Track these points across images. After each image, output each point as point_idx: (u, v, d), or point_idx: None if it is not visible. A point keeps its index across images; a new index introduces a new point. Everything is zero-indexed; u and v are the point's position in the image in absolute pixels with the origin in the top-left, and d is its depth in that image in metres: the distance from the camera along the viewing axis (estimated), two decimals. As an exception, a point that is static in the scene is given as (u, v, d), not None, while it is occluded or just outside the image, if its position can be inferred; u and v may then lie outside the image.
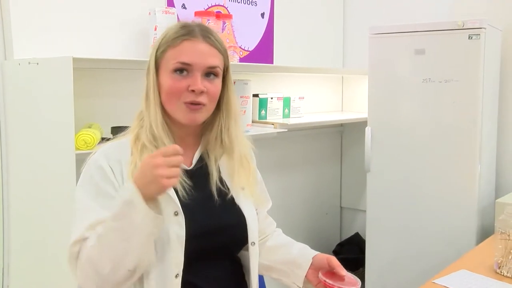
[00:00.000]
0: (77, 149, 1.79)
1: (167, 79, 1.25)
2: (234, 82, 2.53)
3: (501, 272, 1.80)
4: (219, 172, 1.35)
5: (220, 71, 1.29)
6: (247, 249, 1.36)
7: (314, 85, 3.29)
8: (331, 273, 1.32)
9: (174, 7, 2.42)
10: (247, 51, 2.84)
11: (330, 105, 3.46)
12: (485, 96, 2.45)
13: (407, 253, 2.65)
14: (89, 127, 1.99)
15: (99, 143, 1.88)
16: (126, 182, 1.22)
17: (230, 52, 2.62)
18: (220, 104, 1.33)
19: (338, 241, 3.51)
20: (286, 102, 2.85)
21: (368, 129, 2.70)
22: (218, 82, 1.29)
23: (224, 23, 2.58)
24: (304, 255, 1.41)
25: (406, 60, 2.58)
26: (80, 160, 1.36)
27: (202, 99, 1.25)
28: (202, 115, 1.28)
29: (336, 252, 3.39)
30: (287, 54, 3.08)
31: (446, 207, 2.52)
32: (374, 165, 2.71)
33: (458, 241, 2.48)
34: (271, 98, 2.74)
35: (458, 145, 2.47)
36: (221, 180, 1.35)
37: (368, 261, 2.80)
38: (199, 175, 1.33)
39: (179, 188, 1.24)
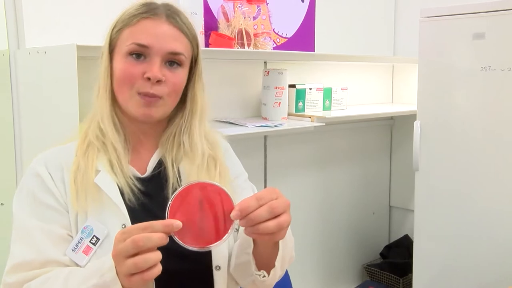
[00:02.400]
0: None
1: (120, 62, 1.04)
2: (268, 72, 2.31)
3: None
4: (178, 179, 1.11)
5: (185, 60, 1.07)
6: (207, 268, 1.09)
7: (360, 74, 2.97)
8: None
9: (202, -10, 2.16)
10: (285, 38, 2.55)
11: (379, 97, 3.12)
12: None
13: (460, 262, 2.29)
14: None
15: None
16: (67, 188, 1.03)
17: (264, 39, 2.36)
18: (185, 100, 1.13)
19: (386, 243, 3.18)
20: (327, 93, 2.54)
21: (417, 123, 2.35)
22: (181, 72, 1.07)
23: (258, 7, 2.31)
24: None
25: (463, 46, 2.20)
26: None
27: (159, 90, 1.03)
28: (159, 110, 1.06)
29: (383, 255, 3.08)
30: (330, 41, 2.75)
31: (508, 214, 2.13)
32: (424, 163, 2.36)
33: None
34: (310, 89, 2.45)
35: (522, 143, 2.08)
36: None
37: (416, 267, 2.47)
38: (155, 183, 1.10)
39: (128, 197, 1.04)
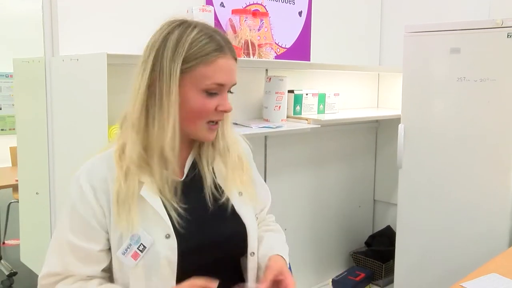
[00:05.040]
0: (109, 141, 1.70)
1: (196, 97, 1.04)
2: (270, 79, 2.45)
3: (534, 279, 1.58)
4: (214, 177, 1.16)
5: None
6: (243, 254, 1.18)
7: (350, 82, 3.11)
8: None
9: (213, 5, 2.29)
10: (284, 48, 2.69)
11: (366, 102, 3.27)
12: (522, 96, 2.19)
13: (436, 250, 2.44)
14: (126, 120, 1.91)
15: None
16: (111, 199, 1.03)
17: (266, 49, 2.49)
18: None
19: (370, 233, 3.33)
20: (321, 98, 2.68)
21: (401, 127, 2.50)
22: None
23: (261, 20, 2.44)
24: (264, 256, 1.19)
25: (441, 59, 2.35)
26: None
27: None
28: (216, 130, 1.13)
29: (368, 244, 3.22)
30: (324, 51, 2.90)
31: (478, 208, 2.29)
32: (406, 162, 2.51)
33: (490, 243, 2.25)
34: (306, 94, 2.58)
35: (492, 145, 2.23)
36: (216, 186, 1.15)
37: (397, 255, 2.62)
38: (192, 185, 1.13)
39: (171, 206, 1.05)
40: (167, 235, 1.03)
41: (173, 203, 1.05)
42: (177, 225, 1.04)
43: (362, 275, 3.01)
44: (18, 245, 2.30)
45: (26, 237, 2.13)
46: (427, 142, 2.43)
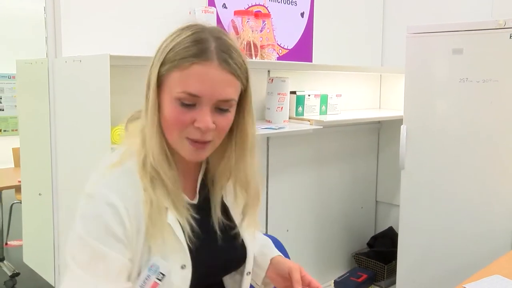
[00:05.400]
0: (112, 142, 1.71)
1: (169, 106, 0.93)
2: (272, 80, 2.45)
3: (537, 280, 1.58)
4: (226, 204, 1.11)
5: (235, 103, 0.97)
6: (239, 274, 1.14)
7: (352, 83, 3.11)
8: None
9: (215, 6, 2.29)
10: (286, 49, 2.69)
11: (368, 103, 3.27)
12: (525, 97, 2.19)
13: (439, 251, 2.44)
14: (129, 121, 1.91)
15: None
16: (142, 223, 0.94)
17: (268, 50, 2.49)
18: (232, 131, 1.01)
19: (372, 234, 3.32)
20: (323, 99, 2.68)
21: (403, 127, 2.50)
22: (230, 114, 0.97)
23: (263, 22, 2.44)
24: (264, 254, 1.21)
25: (443, 60, 2.35)
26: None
27: (209, 136, 0.95)
28: (208, 152, 0.99)
29: (370, 245, 3.21)
30: (326, 52, 2.90)
31: (481, 209, 2.28)
32: (409, 163, 2.50)
33: (493, 244, 2.24)
34: (308, 95, 2.58)
35: (494, 146, 2.23)
36: (226, 213, 1.10)
37: (400, 255, 2.62)
38: (203, 208, 1.06)
39: (188, 232, 0.98)
40: (183, 266, 0.97)
41: (190, 232, 0.98)
42: (193, 254, 0.99)
43: (364, 276, 3.00)
44: (21, 246, 2.30)
45: (29, 238, 2.14)
46: (430, 143, 2.42)
